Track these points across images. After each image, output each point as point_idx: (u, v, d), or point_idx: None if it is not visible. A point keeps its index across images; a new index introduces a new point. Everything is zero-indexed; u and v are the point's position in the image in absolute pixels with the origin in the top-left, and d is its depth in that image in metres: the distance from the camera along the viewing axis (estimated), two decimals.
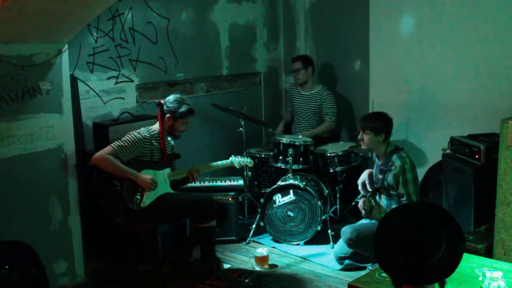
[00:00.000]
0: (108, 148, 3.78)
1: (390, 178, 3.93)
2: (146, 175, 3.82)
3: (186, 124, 3.99)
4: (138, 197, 3.76)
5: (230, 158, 4.24)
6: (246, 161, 4.27)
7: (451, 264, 1.90)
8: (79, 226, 3.95)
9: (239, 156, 4.28)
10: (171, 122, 3.94)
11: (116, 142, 3.82)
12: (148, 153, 3.90)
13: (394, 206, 3.91)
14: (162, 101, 3.98)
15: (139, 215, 3.74)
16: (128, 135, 3.86)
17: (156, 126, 3.99)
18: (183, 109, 3.92)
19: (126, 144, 3.80)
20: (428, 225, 1.90)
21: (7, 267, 3.16)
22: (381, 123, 4.00)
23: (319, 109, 5.43)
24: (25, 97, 3.54)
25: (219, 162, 4.20)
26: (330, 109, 5.40)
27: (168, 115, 3.93)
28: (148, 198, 3.82)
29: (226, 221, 4.65)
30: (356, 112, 5.66)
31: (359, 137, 4.10)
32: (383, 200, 4.07)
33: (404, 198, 3.88)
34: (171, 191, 3.99)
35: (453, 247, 1.90)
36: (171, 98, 3.98)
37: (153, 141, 3.91)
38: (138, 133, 3.88)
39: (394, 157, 3.96)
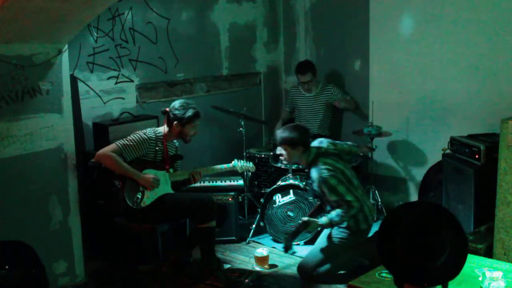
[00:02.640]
0: (112, 146, 3.78)
1: (317, 189, 3.89)
2: (148, 174, 3.82)
3: (195, 128, 3.99)
4: (139, 196, 3.76)
5: (233, 162, 4.24)
6: (249, 165, 4.28)
7: (455, 268, 1.90)
8: (79, 226, 3.95)
9: (241, 160, 4.29)
10: (179, 129, 3.94)
11: (121, 140, 3.82)
12: (152, 154, 3.90)
13: (334, 210, 3.82)
14: (167, 109, 3.97)
15: (139, 215, 3.74)
16: (134, 135, 3.86)
17: (162, 128, 3.99)
18: (189, 113, 3.91)
19: (131, 143, 3.80)
20: (435, 226, 1.89)
21: (7, 267, 3.15)
22: (295, 135, 3.88)
23: (326, 104, 5.43)
24: (25, 97, 3.54)
25: (221, 166, 4.20)
26: (341, 93, 5.46)
27: (175, 122, 3.92)
28: (148, 198, 3.82)
29: (226, 221, 4.65)
30: (356, 112, 5.66)
31: (277, 151, 4.03)
32: (327, 206, 3.99)
33: (338, 201, 3.78)
34: (172, 191, 4.00)
35: (457, 251, 1.89)
36: (176, 104, 3.96)
37: (158, 143, 3.92)
38: (144, 133, 3.88)
39: (312, 170, 3.88)
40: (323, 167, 3.82)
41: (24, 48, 3.49)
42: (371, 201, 5.08)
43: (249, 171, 4.47)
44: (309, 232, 4.33)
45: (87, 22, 3.84)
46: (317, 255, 3.90)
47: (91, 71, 4.47)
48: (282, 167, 4.82)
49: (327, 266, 3.86)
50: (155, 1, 4.87)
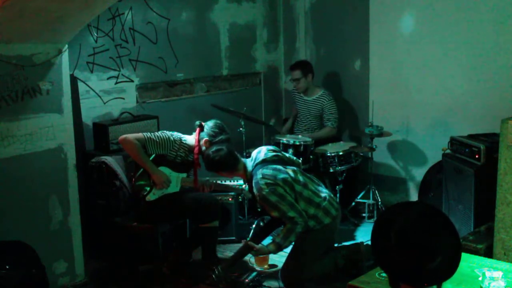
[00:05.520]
0: (139, 135, 3.91)
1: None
2: (163, 173, 3.89)
3: None
4: (147, 189, 3.88)
5: (244, 186, 4.40)
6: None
7: (449, 269, 1.90)
8: (79, 226, 3.95)
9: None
10: (207, 146, 4.01)
11: (147, 133, 3.94)
12: (172, 157, 3.98)
13: (278, 235, 3.72)
14: (203, 123, 4.09)
15: (143, 210, 3.86)
16: (162, 133, 3.99)
17: (190, 140, 4.07)
18: (222, 136, 4.03)
19: (157, 140, 3.92)
20: (430, 228, 1.89)
21: (7, 267, 3.15)
22: (220, 162, 3.82)
23: (320, 113, 5.40)
24: (25, 97, 3.54)
25: (232, 183, 4.38)
26: (332, 115, 5.34)
27: (206, 138, 4.02)
28: (155, 194, 3.91)
29: (227, 221, 4.64)
30: (357, 112, 5.67)
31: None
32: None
33: (281, 218, 3.67)
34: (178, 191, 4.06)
35: (451, 253, 1.89)
36: (211, 123, 4.10)
37: (181, 149, 4.02)
38: (171, 135, 4.00)
39: (253, 183, 3.75)
40: (262, 182, 3.66)
41: (24, 48, 3.49)
42: (371, 201, 5.09)
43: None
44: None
45: (87, 22, 3.84)
46: (296, 262, 3.78)
47: (91, 71, 4.48)
48: None
49: (310, 270, 3.76)
50: (155, 1, 4.87)
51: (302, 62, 5.48)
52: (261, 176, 3.69)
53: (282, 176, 3.72)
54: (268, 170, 3.72)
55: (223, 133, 4.07)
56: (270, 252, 3.80)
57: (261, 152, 3.93)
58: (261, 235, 4.13)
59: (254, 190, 3.74)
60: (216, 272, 3.71)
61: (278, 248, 3.71)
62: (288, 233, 3.65)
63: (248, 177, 3.87)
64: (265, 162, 3.82)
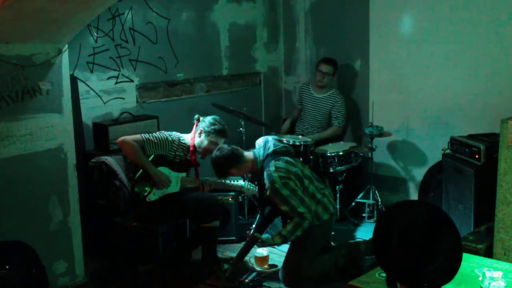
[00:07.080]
0: (137, 136, 3.92)
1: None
2: (163, 173, 3.90)
3: (214, 145, 4.01)
4: (147, 189, 3.88)
5: (243, 183, 4.36)
6: (255, 190, 4.34)
7: (449, 273, 1.89)
8: (79, 226, 3.95)
9: (249, 184, 4.37)
10: (201, 138, 4.03)
11: (146, 134, 3.95)
12: (171, 157, 3.99)
13: (285, 227, 3.72)
14: (201, 118, 4.11)
15: (143, 210, 3.86)
16: (160, 134, 4.00)
17: (189, 139, 4.08)
18: (215, 127, 4.02)
19: (155, 141, 3.92)
20: (433, 229, 1.88)
21: (7, 267, 3.15)
22: (225, 164, 3.82)
23: (329, 111, 5.40)
24: (25, 97, 3.53)
25: (231, 183, 4.36)
26: (340, 114, 5.37)
27: (200, 128, 4.03)
28: (155, 195, 3.91)
29: (229, 222, 4.64)
30: (357, 112, 5.67)
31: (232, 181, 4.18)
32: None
33: (290, 213, 3.65)
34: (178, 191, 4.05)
35: (452, 256, 1.88)
36: (209, 117, 4.11)
37: (179, 148, 4.02)
38: (170, 135, 4.00)
39: (264, 174, 3.69)
40: (275, 174, 3.63)
41: (24, 48, 3.48)
42: (371, 201, 5.09)
43: (255, 196, 4.63)
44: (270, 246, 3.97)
45: (87, 22, 3.84)
46: (295, 260, 3.80)
47: (91, 71, 4.48)
48: None
49: (310, 268, 3.77)
50: (155, 1, 4.87)
51: (334, 60, 5.41)
52: (274, 168, 3.67)
53: (294, 169, 3.73)
54: (281, 163, 3.71)
55: (218, 124, 4.05)
56: (275, 244, 3.82)
57: (269, 142, 3.91)
58: (262, 228, 4.14)
59: (266, 182, 3.69)
60: (230, 268, 3.77)
61: (284, 240, 3.72)
62: (295, 227, 3.65)
63: (258, 168, 3.82)
64: (276, 153, 3.80)
